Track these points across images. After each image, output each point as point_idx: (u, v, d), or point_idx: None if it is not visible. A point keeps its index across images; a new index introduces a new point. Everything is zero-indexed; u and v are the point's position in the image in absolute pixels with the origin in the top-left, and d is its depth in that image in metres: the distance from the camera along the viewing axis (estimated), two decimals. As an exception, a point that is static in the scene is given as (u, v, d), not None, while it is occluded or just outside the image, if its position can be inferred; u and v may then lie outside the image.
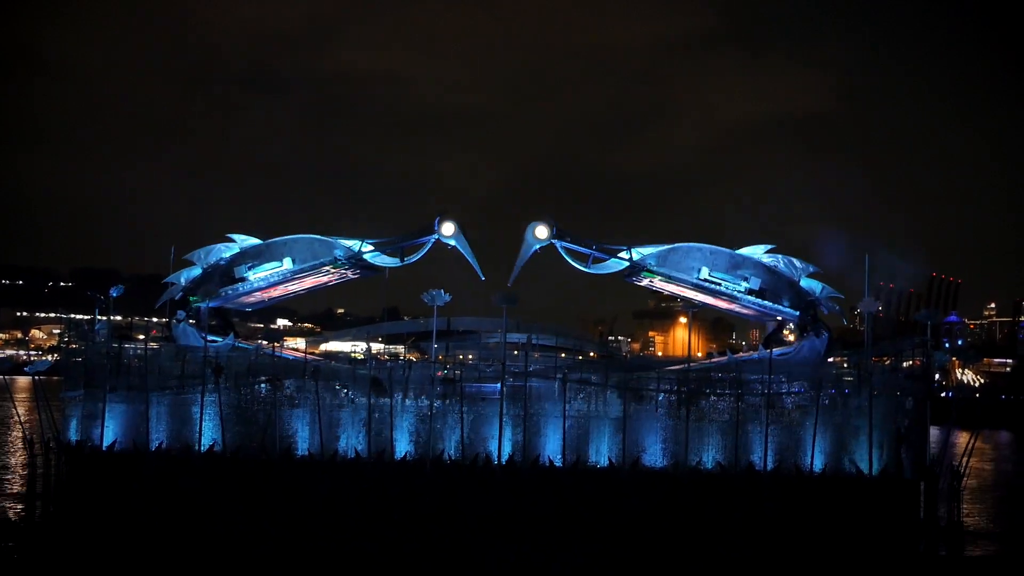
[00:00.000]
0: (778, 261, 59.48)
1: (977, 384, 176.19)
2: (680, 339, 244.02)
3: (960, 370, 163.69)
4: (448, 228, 59.95)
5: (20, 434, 58.47)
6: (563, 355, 63.71)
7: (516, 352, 60.19)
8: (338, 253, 60.79)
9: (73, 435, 53.10)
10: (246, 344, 61.72)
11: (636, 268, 60.35)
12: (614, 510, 48.98)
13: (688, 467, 49.98)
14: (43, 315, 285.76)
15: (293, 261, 61.26)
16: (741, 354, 61.08)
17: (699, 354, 63.68)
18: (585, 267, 60.76)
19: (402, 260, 62.30)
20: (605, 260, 60.73)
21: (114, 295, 58.76)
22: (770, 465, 49.84)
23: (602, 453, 51.03)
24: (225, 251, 61.67)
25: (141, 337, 63.41)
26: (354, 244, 61.26)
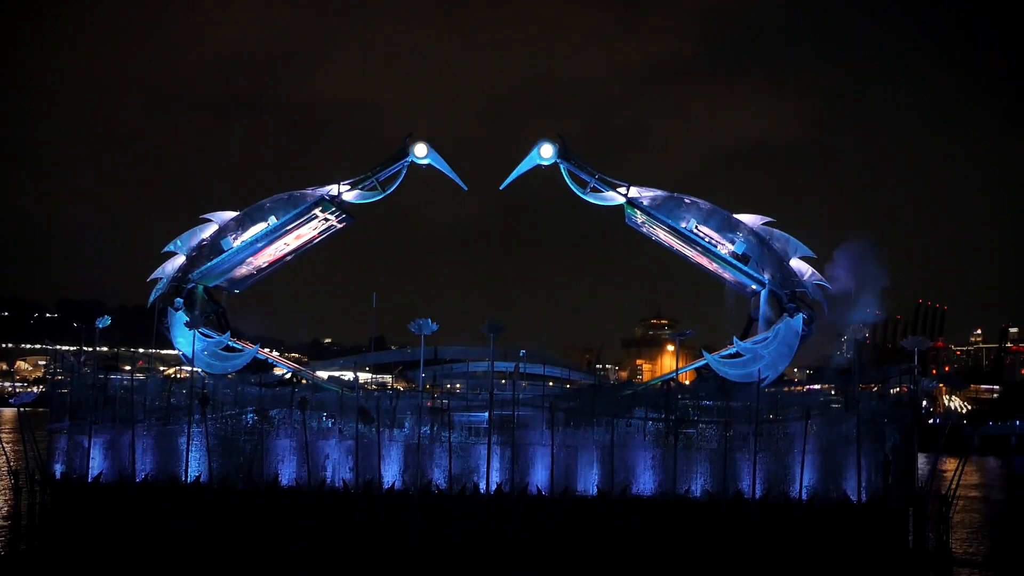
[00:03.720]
0: (773, 235, 60.27)
1: (964, 411, 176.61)
2: (667, 367, 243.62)
3: (947, 397, 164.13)
4: (421, 149, 61.53)
5: (4, 466, 57.97)
6: (551, 383, 63.71)
7: (504, 381, 60.16)
8: (320, 196, 62.46)
9: (58, 467, 52.78)
10: (241, 344, 61.79)
11: (629, 204, 61.92)
12: (602, 538, 48.88)
13: (677, 495, 49.93)
14: (28, 346, 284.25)
15: (276, 218, 62.31)
16: (719, 352, 61.02)
17: (687, 382, 63.74)
18: (583, 193, 62.25)
19: (383, 191, 63.63)
20: (603, 192, 62.04)
21: (99, 326, 58.59)
22: (759, 493, 49.85)
23: (590, 481, 50.95)
24: (204, 231, 62.45)
25: (127, 368, 63.08)
26: (331, 188, 62.62)
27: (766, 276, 59.63)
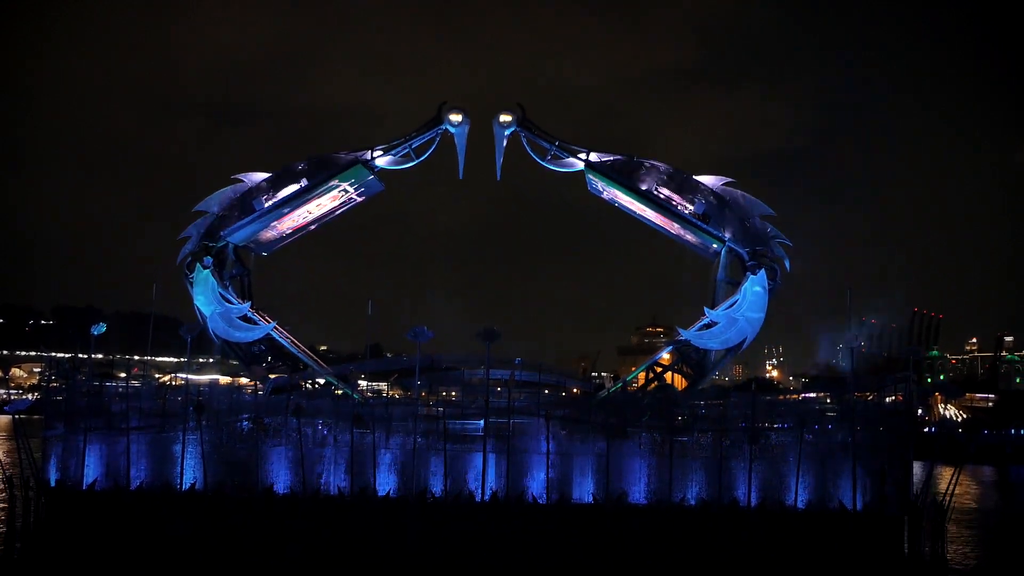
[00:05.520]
0: (734, 195, 60.94)
1: (960, 419, 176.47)
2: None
3: (942, 405, 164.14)
4: (456, 116, 62.86)
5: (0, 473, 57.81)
6: (546, 391, 63.72)
7: (499, 389, 60.13)
8: (353, 158, 63.42)
9: (53, 474, 52.64)
10: (258, 318, 62.36)
11: (589, 168, 62.87)
12: (597, 547, 48.80)
13: (672, 503, 49.88)
14: (23, 353, 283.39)
15: (308, 180, 63.39)
16: (693, 326, 61.23)
17: (683, 383, 63.69)
18: (543, 161, 63.25)
19: (416, 157, 64.80)
20: (563, 158, 62.87)
21: (95, 333, 58.55)
22: (754, 501, 49.81)
23: (586, 489, 50.88)
24: (236, 191, 63.95)
25: (122, 375, 63.04)
26: (365, 153, 63.79)
27: (726, 234, 60.18)
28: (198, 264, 61.50)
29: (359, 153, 63.89)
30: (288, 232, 67.33)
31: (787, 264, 60.50)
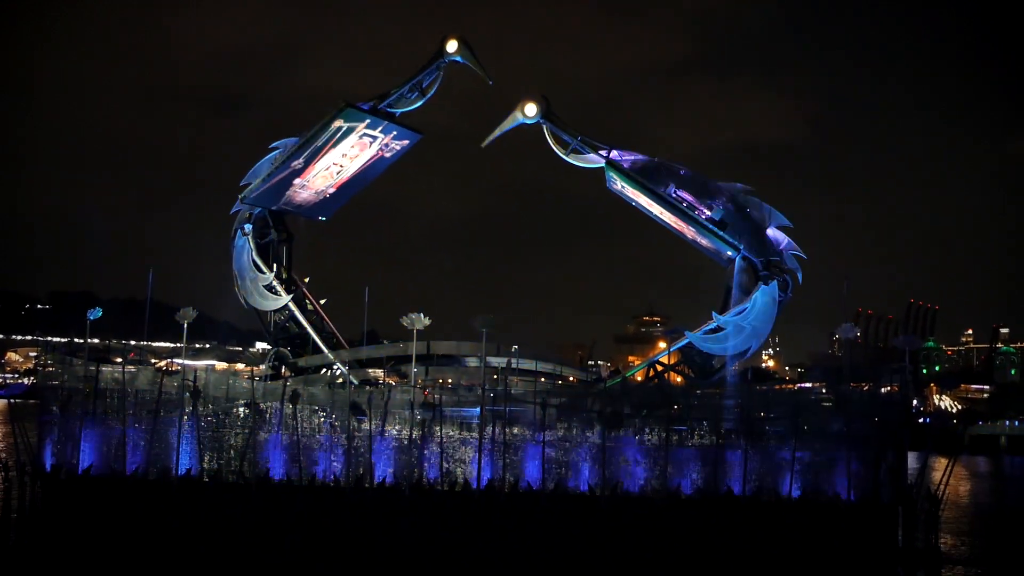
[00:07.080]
0: (751, 203, 61.01)
1: (955, 410, 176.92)
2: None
3: (938, 396, 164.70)
4: (452, 45, 63.71)
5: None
6: (543, 379, 63.75)
7: (496, 376, 60.18)
8: (343, 104, 63.81)
9: (48, 459, 52.57)
10: (282, 290, 63.82)
11: (609, 166, 63.05)
12: (593, 535, 48.83)
13: (667, 492, 49.91)
14: (19, 338, 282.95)
15: (323, 134, 64.50)
16: (700, 328, 61.30)
17: (679, 379, 63.81)
18: (564, 155, 63.47)
19: (424, 96, 66.03)
20: (584, 154, 63.06)
21: (91, 318, 58.48)
22: (749, 491, 49.83)
23: (581, 478, 50.88)
24: (271, 159, 65.72)
25: (119, 360, 62.96)
26: (374, 102, 65.02)
27: (742, 243, 60.21)
28: (238, 231, 63.61)
29: (369, 103, 64.71)
30: (331, 191, 68.34)
31: (800, 277, 60.50)
